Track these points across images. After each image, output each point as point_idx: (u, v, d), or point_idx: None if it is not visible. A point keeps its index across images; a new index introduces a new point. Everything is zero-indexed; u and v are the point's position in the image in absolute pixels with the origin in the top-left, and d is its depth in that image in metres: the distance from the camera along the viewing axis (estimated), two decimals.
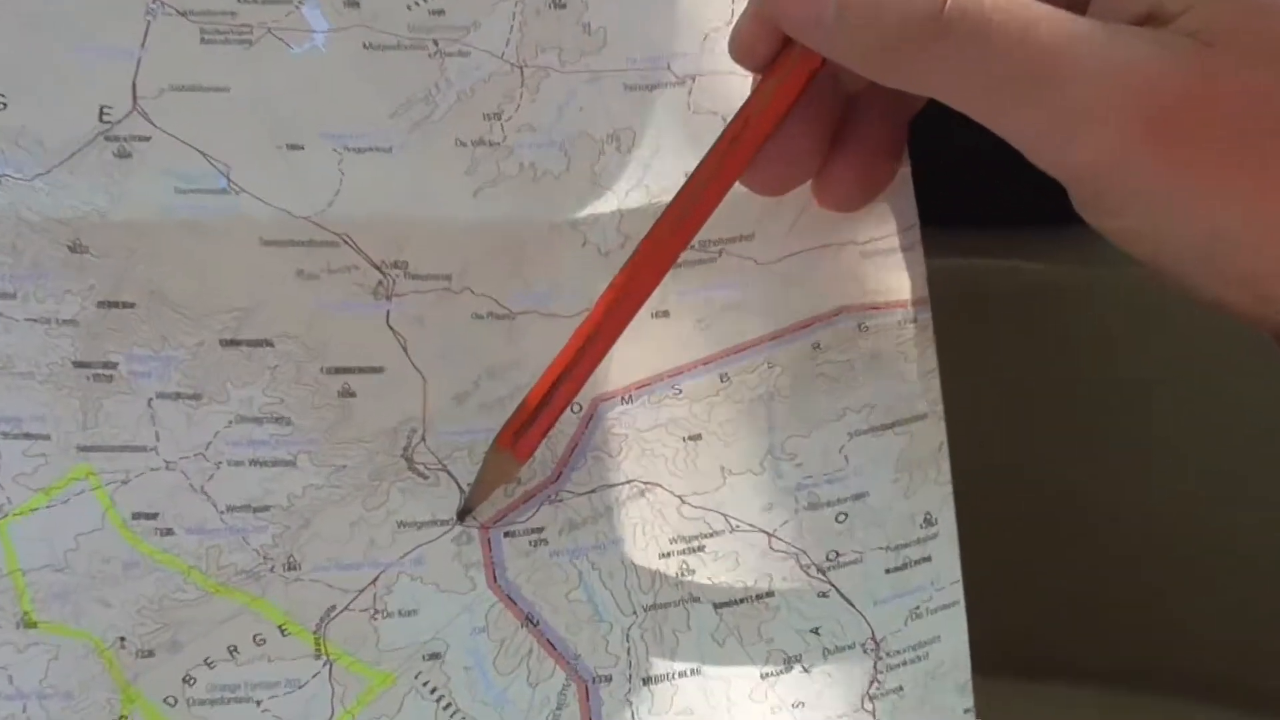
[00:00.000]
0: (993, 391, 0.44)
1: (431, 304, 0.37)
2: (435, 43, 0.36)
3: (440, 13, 0.36)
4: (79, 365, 0.35)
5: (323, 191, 0.36)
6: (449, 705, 0.37)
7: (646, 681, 0.37)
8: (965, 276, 0.43)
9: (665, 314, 0.38)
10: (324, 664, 0.36)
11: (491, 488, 0.37)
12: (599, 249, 0.38)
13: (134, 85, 0.36)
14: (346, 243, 0.37)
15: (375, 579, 0.37)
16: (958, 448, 0.38)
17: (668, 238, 0.35)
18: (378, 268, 0.37)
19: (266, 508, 0.37)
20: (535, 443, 0.36)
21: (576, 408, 0.37)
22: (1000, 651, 0.39)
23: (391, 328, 0.37)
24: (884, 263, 0.38)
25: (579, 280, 0.38)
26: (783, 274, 0.38)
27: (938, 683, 0.38)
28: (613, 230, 0.38)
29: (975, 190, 0.44)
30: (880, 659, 0.38)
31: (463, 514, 0.37)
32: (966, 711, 0.38)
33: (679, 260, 0.36)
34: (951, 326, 0.39)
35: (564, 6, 0.37)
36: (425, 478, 0.37)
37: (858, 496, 0.38)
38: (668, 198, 0.35)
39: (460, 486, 0.37)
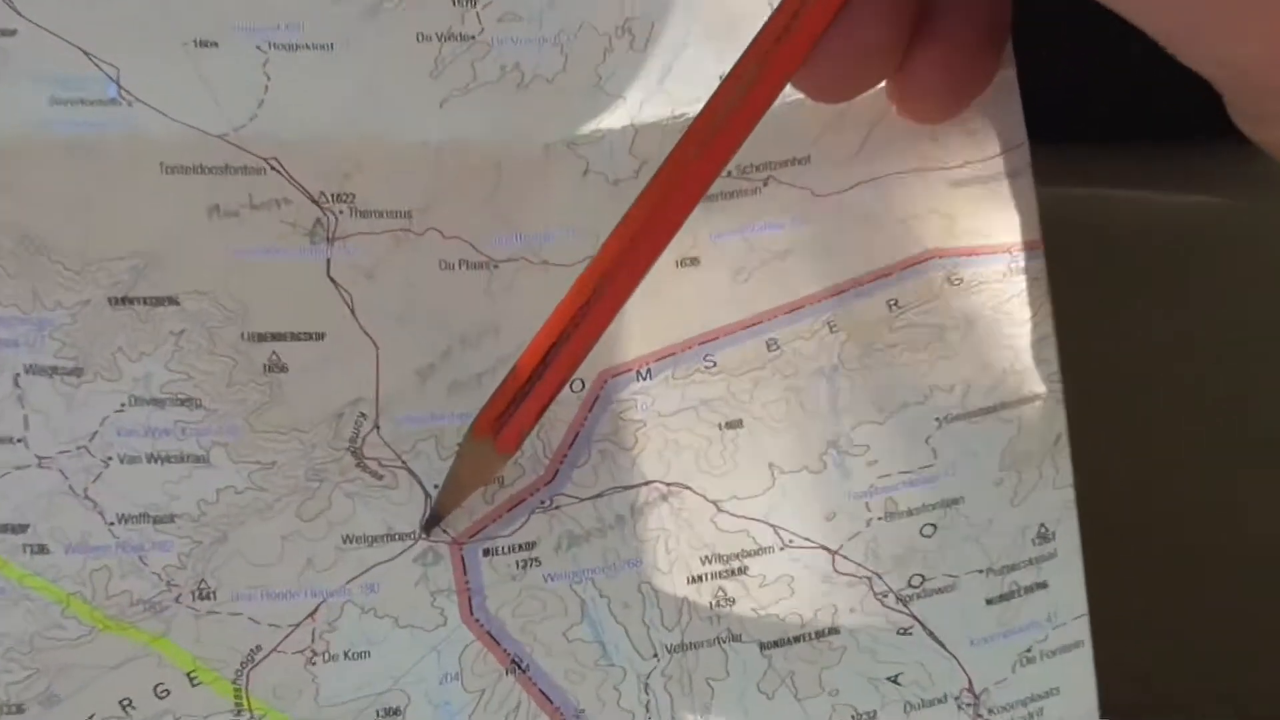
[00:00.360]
0: (1126, 365, 0.42)
1: (386, 250, 0.34)
2: None
3: None
4: None
5: (243, 102, 0.34)
6: None
7: None
8: (1089, 211, 0.41)
9: (694, 262, 0.35)
10: None
11: (467, 491, 0.34)
12: (606, 177, 0.35)
13: None
14: (274, 169, 0.34)
15: (314, 611, 0.34)
16: (1079, 440, 0.35)
17: (696, 161, 0.31)
18: (315, 202, 0.34)
19: (170, 518, 0.34)
20: (524, 430, 0.33)
21: (578, 385, 0.34)
22: (1131, 703, 0.37)
23: (334, 281, 0.34)
24: (982, 194, 0.35)
25: (580, 219, 0.35)
26: (849, 209, 0.35)
27: None
28: (623, 153, 0.35)
29: (1098, 98, 0.41)
30: (980, 717, 0.35)
31: (430, 524, 0.34)
32: None
33: (711, 192, 0.33)
34: (1071, 278, 0.35)
35: None
36: (379, 477, 0.34)
37: (949, 503, 0.35)
38: (696, 108, 0.32)
39: (425, 489, 0.34)
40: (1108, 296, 0.41)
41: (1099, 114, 0.42)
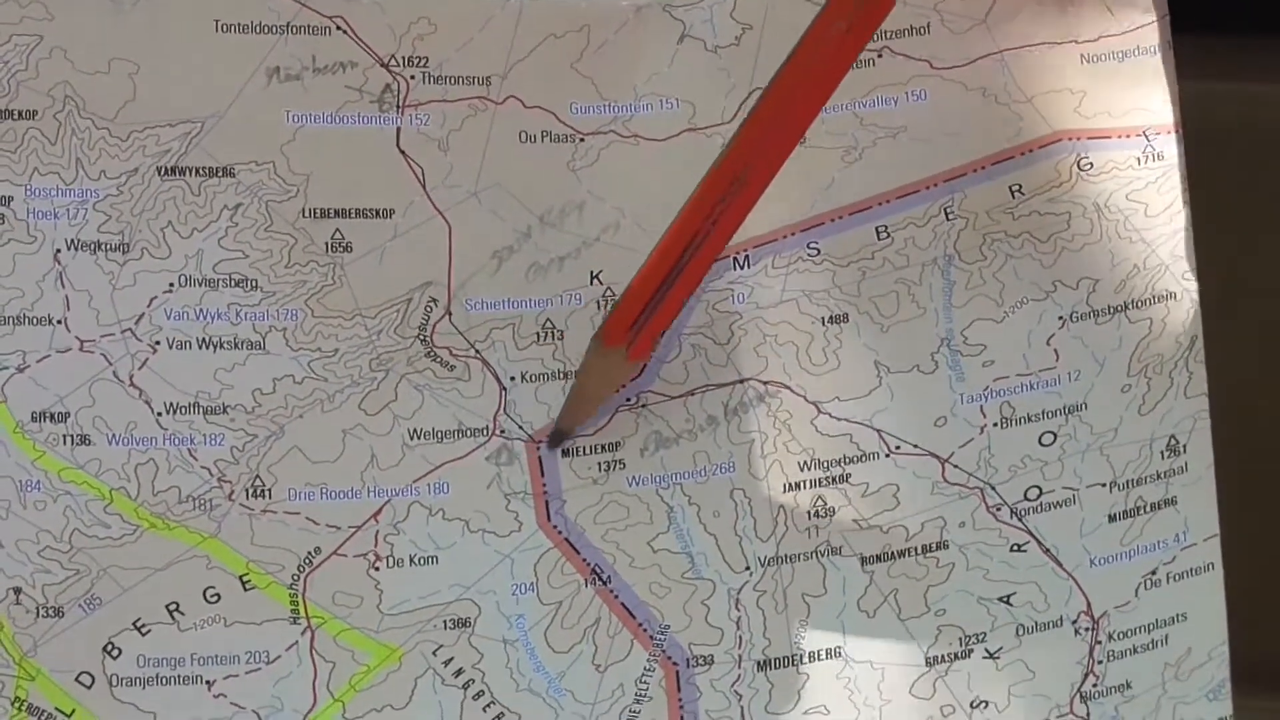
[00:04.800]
0: (1268, 266, 0.42)
1: (461, 119, 0.36)
2: None
3: None
4: None
5: None
6: (480, 694, 0.36)
7: (763, 666, 0.36)
8: (1233, 106, 0.42)
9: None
10: (303, 631, 0.35)
11: (596, 403, 0.36)
12: (705, 43, 0.36)
13: None
14: (340, 28, 0.35)
15: (377, 512, 0.36)
16: (1215, 348, 0.37)
17: (844, 36, 0.31)
18: (385, 65, 0.36)
19: (222, 408, 0.35)
20: (658, 336, 0.34)
21: None
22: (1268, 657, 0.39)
23: (403, 152, 0.36)
24: (1117, 70, 0.37)
25: (675, 88, 0.36)
26: (970, 84, 0.37)
27: (1182, 682, 0.37)
28: (724, 16, 0.36)
29: None
30: (1099, 643, 0.37)
31: (554, 441, 0.36)
32: None
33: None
34: (1213, 171, 0.37)
35: None
36: (450, 368, 0.36)
37: (1072, 409, 0.37)
38: None
39: (500, 381, 0.36)
40: (1251, 195, 0.42)
41: (1248, 1, 0.43)
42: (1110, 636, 0.37)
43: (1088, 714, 0.37)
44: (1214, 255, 0.37)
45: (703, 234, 0.33)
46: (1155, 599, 0.37)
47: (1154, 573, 0.37)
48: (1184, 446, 0.37)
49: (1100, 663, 0.37)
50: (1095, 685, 0.37)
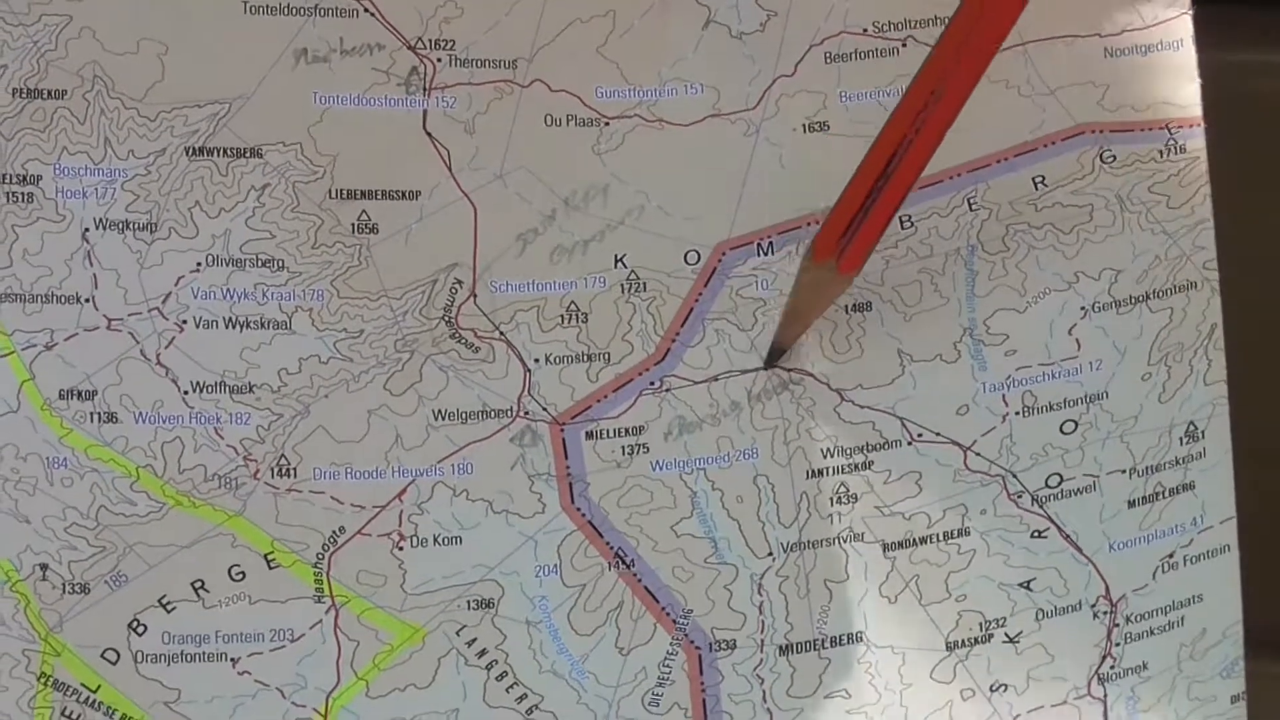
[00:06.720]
0: None
1: (487, 102, 0.37)
2: None
3: None
4: None
5: None
6: (503, 675, 0.37)
7: (785, 651, 0.37)
8: (1256, 80, 0.42)
9: (822, 126, 0.38)
10: (327, 609, 0.36)
11: (810, 319, 0.36)
12: (730, 29, 0.37)
13: None
14: (368, 11, 0.36)
15: (401, 492, 0.37)
16: (1235, 334, 0.38)
17: None
18: (412, 48, 0.37)
19: (249, 388, 0.36)
20: (868, 248, 0.34)
21: (693, 256, 0.37)
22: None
23: (430, 135, 0.37)
24: (1140, 64, 0.38)
25: (700, 73, 0.37)
26: (994, 75, 0.37)
27: (1196, 661, 0.38)
28: (750, 2, 0.37)
29: None
30: (1116, 625, 0.38)
31: (772, 358, 0.37)
32: (1235, 700, 0.38)
33: (842, 49, 0.37)
34: (1234, 157, 0.38)
35: None
36: (474, 350, 0.37)
37: (1093, 398, 0.38)
38: None
39: (524, 363, 0.37)
40: (1270, 176, 0.43)
41: None
42: (1128, 619, 0.38)
43: (1105, 695, 0.38)
44: (1232, 241, 0.38)
45: (906, 144, 0.33)
46: (1172, 581, 0.38)
47: (1171, 556, 0.38)
48: (1202, 432, 0.38)
49: (1118, 645, 0.38)
50: (1113, 667, 0.38)
